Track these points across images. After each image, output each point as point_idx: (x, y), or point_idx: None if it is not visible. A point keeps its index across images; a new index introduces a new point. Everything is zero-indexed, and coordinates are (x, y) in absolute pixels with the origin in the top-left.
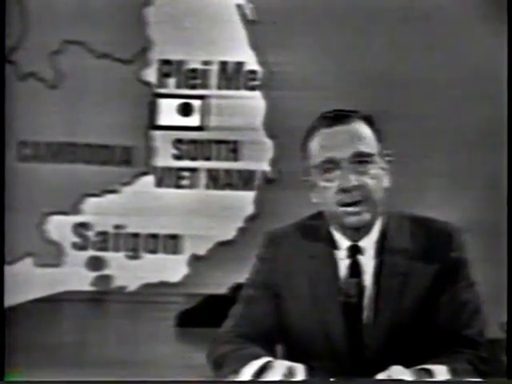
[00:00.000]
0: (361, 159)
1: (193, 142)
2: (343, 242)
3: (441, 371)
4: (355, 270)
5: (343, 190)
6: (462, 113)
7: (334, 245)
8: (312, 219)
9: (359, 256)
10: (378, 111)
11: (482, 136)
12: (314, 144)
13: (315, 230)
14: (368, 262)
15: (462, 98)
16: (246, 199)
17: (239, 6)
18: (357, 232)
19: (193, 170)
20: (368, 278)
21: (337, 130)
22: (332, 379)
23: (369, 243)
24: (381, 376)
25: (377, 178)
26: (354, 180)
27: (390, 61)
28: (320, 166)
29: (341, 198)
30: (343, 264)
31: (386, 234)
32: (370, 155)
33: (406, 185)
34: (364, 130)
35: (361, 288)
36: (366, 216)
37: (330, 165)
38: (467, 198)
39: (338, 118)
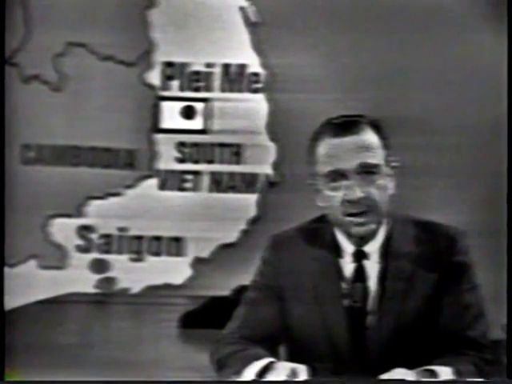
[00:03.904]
0: (367, 170)
1: (196, 145)
2: (348, 247)
3: (445, 372)
4: (360, 274)
5: (349, 201)
6: (462, 113)
7: (338, 249)
8: (316, 222)
9: (364, 261)
10: (380, 112)
11: (482, 136)
12: (321, 152)
13: (320, 233)
14: (372, 267)
15: (461, 98)
16: (248, 202)
17: (242, 9)
18: (362, 238)
19: (196, 173)
20: (372, 282)
21: (344, 140)
22: (335, 379)
23: (374, 248)
24: (384, 378)
25: (382, 187)
26: (359, 192)
27: (391, 62)
28: (326, 176)
29: (346, 209)
30: (348, 268)
31: (390, 238)
32: (376, 166)
33: (405, 185)
34: (371, 138)
35: (365, 292)
36: (372, 226)
37: (337, 175)
38: (467, 199)
39: (345, 127)
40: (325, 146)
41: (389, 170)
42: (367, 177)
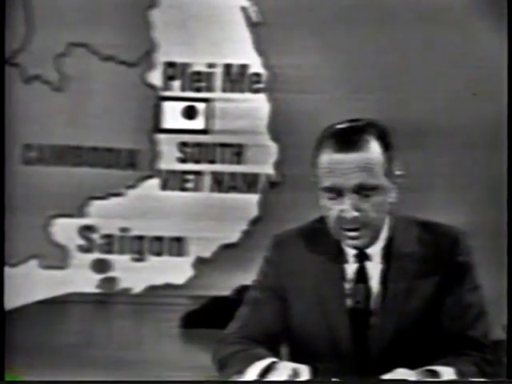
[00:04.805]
0: (365, 191)
1: (197, 145)
2: (350, 249)
3: (447, 372)
4: (362, 275)
5: (343, 218)
6: (462, 113)
7: (340, 249)
8: (319, 222)
9: (366, 262)
10: (381, 113)
11: (482, 136)
12: (322, 163)
13: (323, 233)
14: (375, 267)
15: (461, 98)
16: (250, 202)
17: (243, 9)
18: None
19: (197, 173)
20: (375, 283)
21: (346, 157)
22: (336, 379)
23: (376, 249)
24: (386, 378)
25: (380, 204)
26: (354, 211)
27: (392, 62)
28: (323, 189)
29: (341, 224)
30: (350, 268)
31: (392, 239)
32: (374, 187)
33: (406, 186)
34: (374, 155)
35: (368, 293)
36: (365, 240)
37: (333, 192)
38: (467, 200)
39: (349, 141)
40: (326, 159)
41: (391, 181)
42: (365, 194)
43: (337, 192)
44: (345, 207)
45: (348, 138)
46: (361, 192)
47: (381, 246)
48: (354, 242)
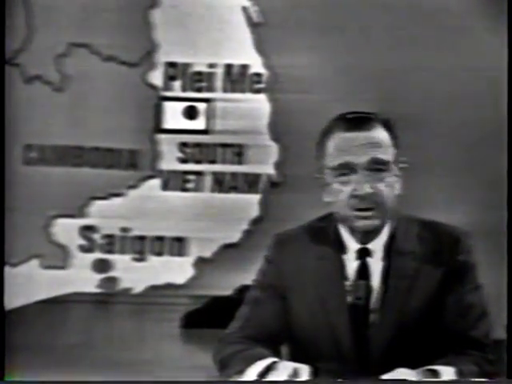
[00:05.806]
0: (377, 166)
1: (198, 145)
2: (352, 244)
3: (447, 372)
4: (364, 272)
5: (357, 196)
6: (462, 113)
7: (342, 246)
8: (321, 221)
9: (368, 258)
10: (382, 112)
11: (482, 136)
12: (331, 146)
13: (324, 231)
14: (376, 264)
15: (462, 98)
16: (251, 202)
17: (244, 9)
18: (366, 235)
19: (198, 173)
20: (376, 280)
21: (356, 135)
22: (335, 380)
23: (377, 246)
24: (386, 377)
25: (391, 185)
26: (368, 187)
27: (393, 62)
28: (335, 169)
29: (354, 203)
30: (351, 266)
31: (394, 236)
32: (386, 163)
33: (407, 186)
34: (383, 136)
35: (369, 290)
36: (376, 221)
37: (346, 169)
38: (468, 200)
39: (358, 122)
40: (336, 140)
41: (397, 169)
42: (376, 173)
43: (349, 169)
44: (357, 186)
45: (357, 120)
46: (373, 169)
47: (382, 243)
48: (364, 223)
